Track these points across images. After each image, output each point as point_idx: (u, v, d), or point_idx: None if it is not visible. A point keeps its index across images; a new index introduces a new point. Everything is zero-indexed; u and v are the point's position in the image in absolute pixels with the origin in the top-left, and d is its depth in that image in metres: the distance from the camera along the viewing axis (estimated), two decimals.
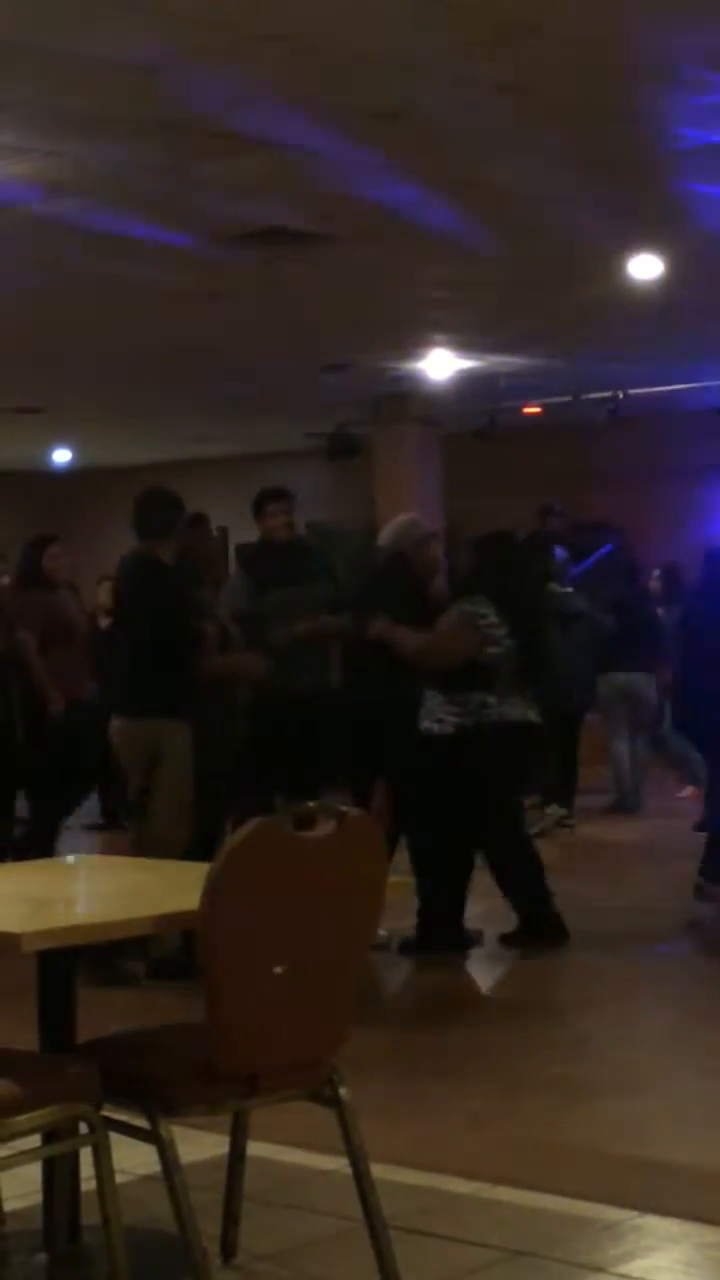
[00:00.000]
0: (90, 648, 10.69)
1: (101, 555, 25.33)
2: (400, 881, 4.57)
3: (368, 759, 9.13)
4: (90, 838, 13.60)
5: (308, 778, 8.78)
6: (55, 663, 10.06)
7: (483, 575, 9.25)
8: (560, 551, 13.36)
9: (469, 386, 17.23)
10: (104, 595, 14.06)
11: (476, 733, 8.74)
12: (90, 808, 11.56)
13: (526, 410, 18.23)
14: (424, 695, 8.92)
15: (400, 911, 8.51)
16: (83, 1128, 4.03)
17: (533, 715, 8.93)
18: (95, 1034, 4.47)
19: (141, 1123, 4.07)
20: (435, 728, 8.80)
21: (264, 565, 9.51)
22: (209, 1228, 4.43)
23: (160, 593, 8.53)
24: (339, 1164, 4.53)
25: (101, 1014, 4.87)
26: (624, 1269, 4.52)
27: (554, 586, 12.47)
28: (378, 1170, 4.41)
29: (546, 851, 9.54)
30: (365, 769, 9.21)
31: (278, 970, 4.10)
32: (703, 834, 10.27)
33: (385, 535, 9.69)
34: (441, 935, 8.81)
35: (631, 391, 17.10)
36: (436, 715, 8.81)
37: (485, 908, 9.19)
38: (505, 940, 8.92)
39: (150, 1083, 4.11)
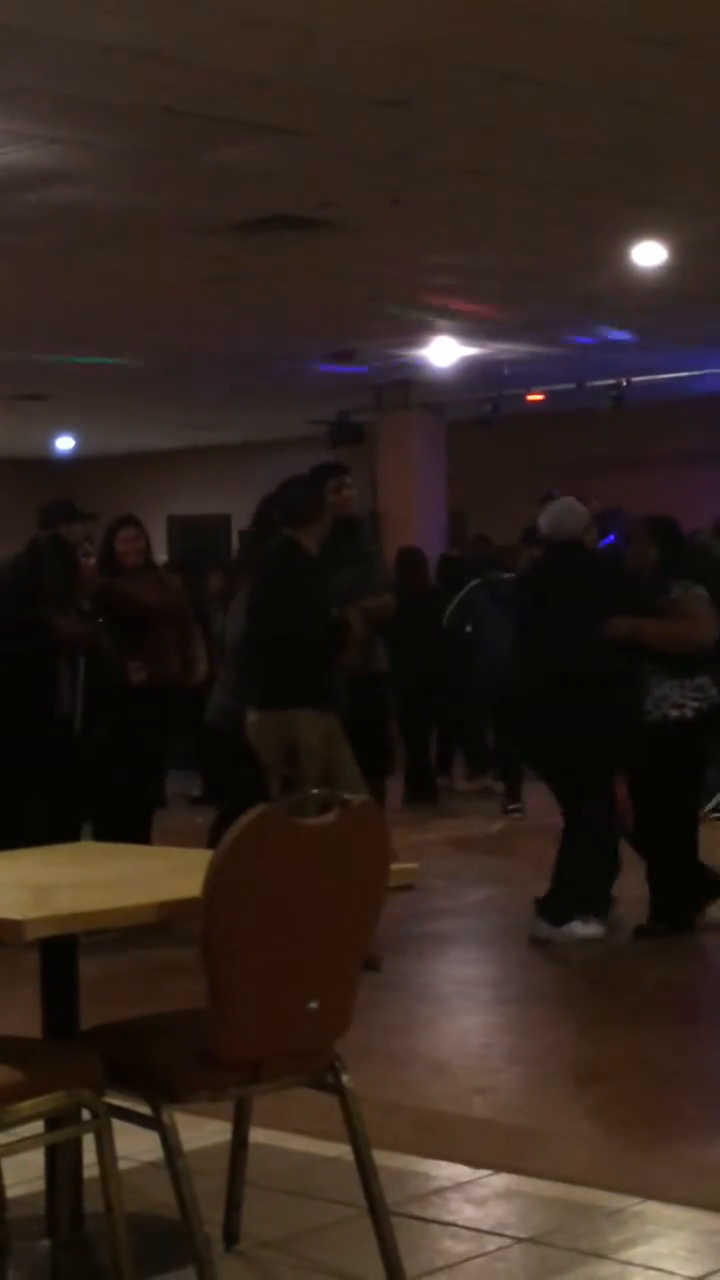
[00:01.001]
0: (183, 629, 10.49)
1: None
2: (405, 869, 4.56)
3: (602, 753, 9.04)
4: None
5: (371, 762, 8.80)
6: (127, 649, 9.91)
7: (683, 558, 9.17)
8: None
9: (472, 374, 17.23)
10: None
11: (713, 716, 8.78)
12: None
13: (530, 397, 18.23)
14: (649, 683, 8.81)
15: (408, 897, 8.51)
16: (85, 1114, 4.04)
17: None
18: (98, 1021, 4.47)
19: (144, 1109, 4.08)
20: (674, 714, 8.71)
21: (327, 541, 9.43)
22: (212, 1214, 4.44)
23: (307, 582, 8.33)
24: (341, 1150, 4.53)
25: (104, 1001, 4.87)
26: (626, 1255, 4.53)
27: None
28: (380, 1157, 4.42)
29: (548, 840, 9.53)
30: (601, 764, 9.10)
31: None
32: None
33: (552, 524, 9.21)
34: (684, 916, 8.85)
35: (635, 379, 17.09)
36: (674, 701, 8.72)
37: (484, 896, 9.19)
38: (642, 931, 8.82)
39: (153, 1070, 4.11)
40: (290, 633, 8.21)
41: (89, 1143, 4.11)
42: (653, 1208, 4.87)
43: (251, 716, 8.33)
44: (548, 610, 9.01)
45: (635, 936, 8.70)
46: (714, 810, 12.42)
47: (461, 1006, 7.72)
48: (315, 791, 4.31)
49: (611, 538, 15.03)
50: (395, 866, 4.41)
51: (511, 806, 13.26)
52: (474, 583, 13.56)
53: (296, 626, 8.21)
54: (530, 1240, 4.66)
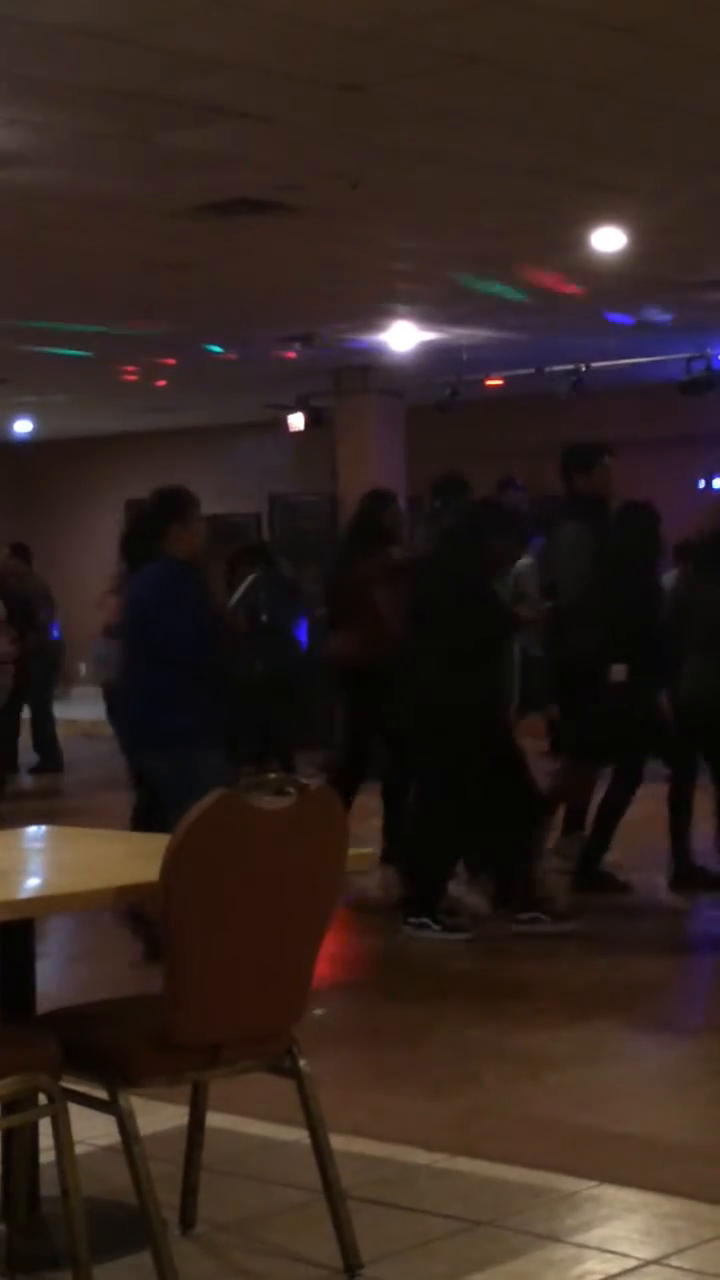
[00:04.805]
0: None
1: (67, 525, 25.35)
2: (362, 853, 4.56)
3: None
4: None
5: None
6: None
7: None
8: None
9: (431, 358, 17.22)
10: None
11: None
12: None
13: (489, 382, 18.23)
14: None
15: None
16: (42, 1099, 4.04)
17: None
18: (55, 1005, 4.47)
19: (101, 1094, 4.08)
20: None
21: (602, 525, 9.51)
22: (168, 1198, 4.44)
23: None
24: (298, 1135, 4.54)
25: (61, 985, 4.87)
26: (581, 1239, 4.55)
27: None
28: (336, 1141, 4.43)
29: None
30: None
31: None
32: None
33: None
34: None
35: (595, 365, 17.11)
36: None
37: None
38: None
39: (110, 1054, 4.12)
40: None
41: (45, 1127, 4.11)
42: (608, 1191, 4.89)
43: None
44: None
45: None
46: None
47: (416, 990, 7.73)
48: (273, 775, 4.31)
49: None
50: (352, 851, 4.42)
51: None
52: None
53: None
54: (486, 1223, 4.67)
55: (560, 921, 8.55)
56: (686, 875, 9.50)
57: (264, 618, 13.72)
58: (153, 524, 7.82)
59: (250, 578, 13.64)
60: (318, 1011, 4.39)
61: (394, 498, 10.82)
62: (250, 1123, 5.38)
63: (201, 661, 7.62)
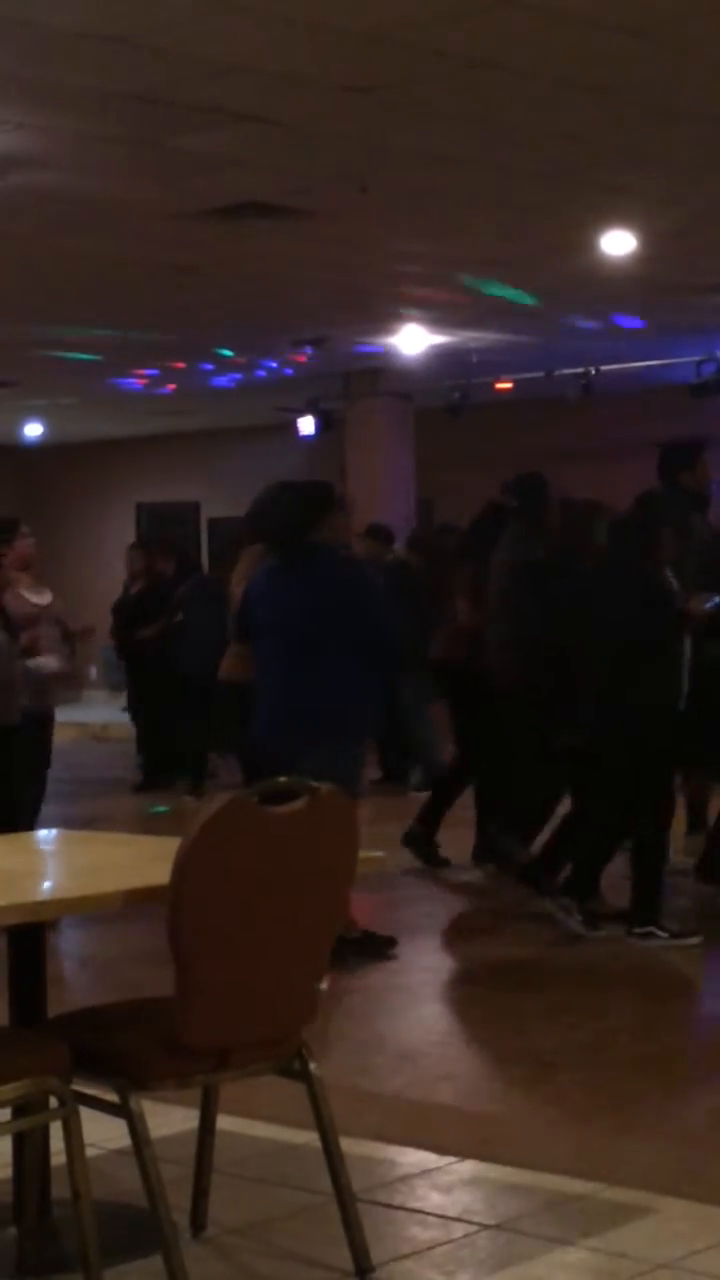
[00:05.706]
0: None
1: (77, 528, 25.37)
2: (371, 857, 4.56)
3: None
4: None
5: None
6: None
7: None
8: None
9: (441, 362, 17.23)
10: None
11: None
12: None
13: (498, 386, 18.24)
14: None
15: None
16: (53, 1102, 4.04)
17: None
18: (66, 1008, 4.47)
19: (111, 1097, 4.08)
20: None
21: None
22: (179, 1201, 4.44)
23: None
24: (309, 1138, 4.54)
25: (72, 988, 4.87)
26: (594, 1242, 4.54)
27: None
28: (347, 1144, 4.43)
29: None
30: None
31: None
32: None
33: None
34: None
35: (604, 368, 17.11)
36: None
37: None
38: None
39: (120, 1057, 4.12)
40: None
41: (56, 1130, 4.11)
42: (619, 1194, 4.88)
43: None
44: None
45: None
46: None
47: (427, 993, 7.73)
48: (283, 779, 4.31)
49: None
50: (363, 854, 4.42)
51: None
52: None
53: None
54: (497, 1227, 4.67)
55: (591, 930, 8.51)
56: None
57: (179, 618, 14.35)
58: (304, 515, 7.83)
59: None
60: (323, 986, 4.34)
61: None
62: (261, 1126, 5.38)
63: (397, 652, 7.72)
